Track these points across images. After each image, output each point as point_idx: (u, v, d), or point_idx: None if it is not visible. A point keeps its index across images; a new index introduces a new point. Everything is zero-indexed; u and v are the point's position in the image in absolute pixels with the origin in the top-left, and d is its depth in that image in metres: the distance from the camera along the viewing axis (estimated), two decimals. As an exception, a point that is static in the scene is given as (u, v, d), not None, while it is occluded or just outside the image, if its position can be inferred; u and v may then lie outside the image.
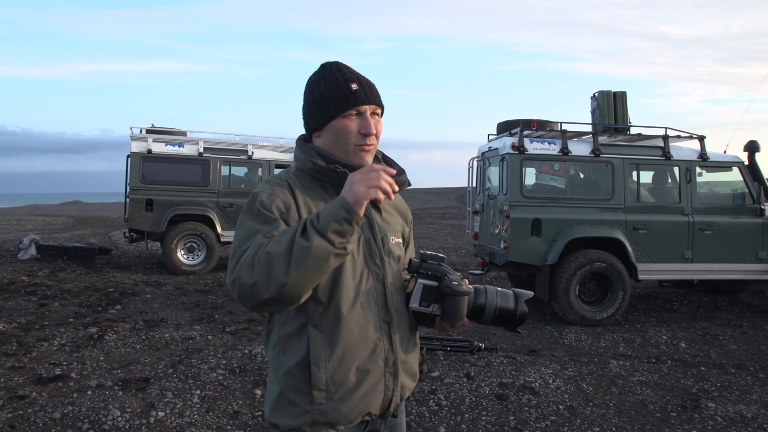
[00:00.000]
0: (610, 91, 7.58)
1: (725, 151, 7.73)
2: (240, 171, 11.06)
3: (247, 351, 5.56)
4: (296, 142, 1.72)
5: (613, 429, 4.11)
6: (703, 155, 7.40)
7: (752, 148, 7.44)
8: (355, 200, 1.39)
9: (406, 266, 1.71)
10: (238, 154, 10.69)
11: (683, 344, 6.23)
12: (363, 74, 1.67)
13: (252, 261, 1.38)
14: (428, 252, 1.68)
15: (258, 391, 4.59)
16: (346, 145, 1.61)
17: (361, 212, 1.41)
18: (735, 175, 7.54)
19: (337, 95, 1.60)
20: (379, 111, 1.65)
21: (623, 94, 7.61)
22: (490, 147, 7.97)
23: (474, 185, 8.56)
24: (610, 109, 7.47)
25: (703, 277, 7.53)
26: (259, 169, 10.81)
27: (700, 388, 4.93)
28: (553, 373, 5.16)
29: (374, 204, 1.60)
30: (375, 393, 1.60)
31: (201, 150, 10.37)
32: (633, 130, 7.59)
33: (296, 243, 1.36)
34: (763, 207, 7.34)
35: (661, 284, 9.24)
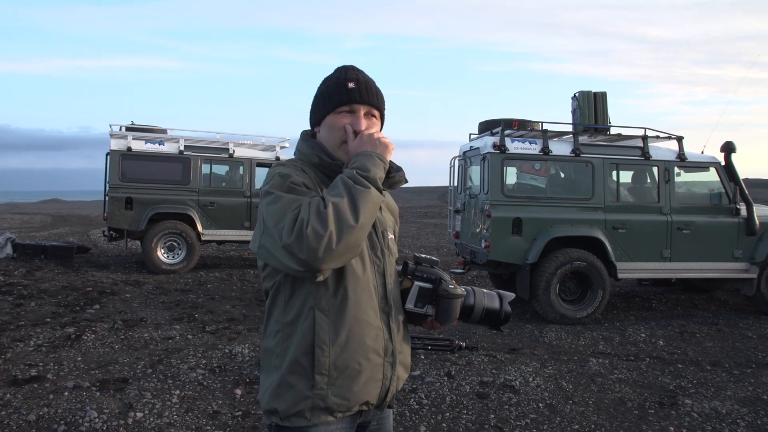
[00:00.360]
0: (591, 91, 7.65)
1: (702, 152, 7.83)
2: (221, 169, 10.99)
3: (227, 350, 5.52)
4: (301, 136, 1.79)
5: (592, 426, 4.14)
6: (681, 156, 7.49)
7: (728, 149, 7.55)
8: (382, 150, 1.59)
9: (401, 268, 1.78)
10: (219, 153, 10.61)
11: (661, 342, 6.31)
12: (368, 77, 1.74)
13: (318, 212, 1.44)
14: (423, 255, 1.76)
15: (238, 391, 4.56)
16: (334, 140, 1.68)
17: (389, 158, 1.60)
18: (712, 176, 7.64)
19: (333, 92, 1.69)
20: (375, 113, 1.73)
21: (603, 95, 7.68)
22: (471, 146, 7.99)
23: (455, 184, 8.59)
24: (590, 109, 7.53)
25: (681, 276, 7.63)
26: (241, 168, 10.75)
27: (677, 385, 4.99)
28: (534, 371, 5.19)
29: None
30: (374, 381, 1.64)
31: (181, 148, 10.28)
32: (613, 131, 7.66)
33: (356, 190, 1.49)
34: (738, 207, 7.45)
35: (640, 283, 9.35)
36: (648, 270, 7.42)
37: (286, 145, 11.38)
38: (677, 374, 5.28)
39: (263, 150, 11.29)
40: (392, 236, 1.80)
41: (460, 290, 1.74)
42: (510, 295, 1.83)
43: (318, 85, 1.77)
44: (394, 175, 1.72)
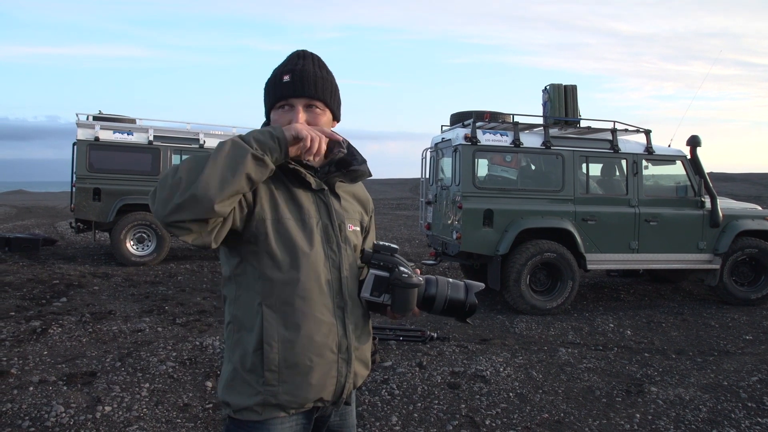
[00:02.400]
0: (561, 84, 7.72)
1: (669, 145, 7.97)
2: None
3: (197, 342, 5.46)
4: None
5: (562, 414, 4.21)
6: (649, 149, 7.62)
7: (694, 142, 7.70)
8: (287, 129, 1.52)
9: (360, 255, 1.72)
10: (189, 143, 10.46)
11: (629, 332, 6.44)
12: (318, 63, 1.68)
13: (176, 167, 1.43)
14: (381, 243, 1.69)
15: (209, 383, 4.52)
16: None
17: (288, 138, 1.50)
18: (678, 169, 7.79)
19: (270, 87, 1.65)
20: (318, 104, 1.65)
21: (574, 88, 7.76)
22: (443, 138, 8.02)
23: (427, 176, 8.61)
24: (561, 102, 7.61)
25: (648, 267, 7.79)
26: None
27: (644, 374, 5.10)
28: (504, 361, 5.26)
29: (332, 190, 1.69)
30: (328, 378, 1.61)
31: (151, 138, 10.11)
32: (583, 123, 7.75)
33: (218, 148, 1.44)
34: (703, 199, 7.62)
35: (608, 274, 9.51)
36: (616, 261, 7.55)
37: (258, 135, 11.27)
38: (644, 363, 5.39)
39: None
40: (355, 228, 1.75)
41: (416, 279, 1.66)
42: (478, 285, 1.75)
43: None
44: (356, 167, 1.71)
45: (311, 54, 1.69)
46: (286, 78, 1.62)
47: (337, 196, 1.72)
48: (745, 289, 7.75)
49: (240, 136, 1.48)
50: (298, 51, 1.69)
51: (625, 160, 7.56)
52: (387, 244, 1.70)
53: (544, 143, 7.25)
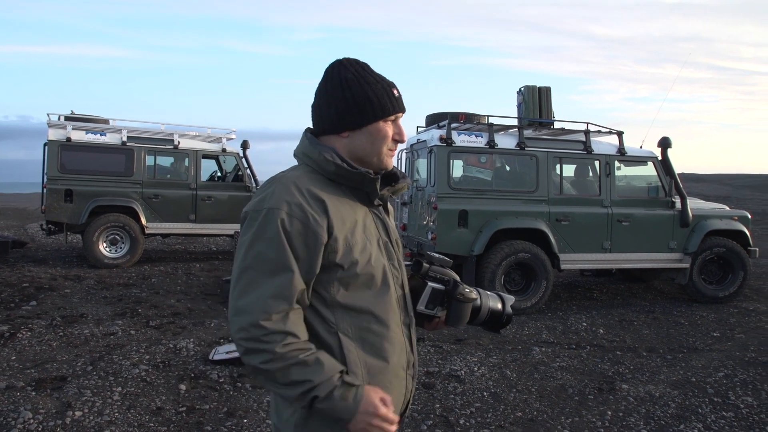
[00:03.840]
0: (536, 86, 7.81)
1: (641, 147, 8.10)
2: (166, 161, 10.75)
3: (171, 345, 5.41)
4: (309, 139, 1.60)
5: (535, 413, 4.26)
6: (621, 150, 7.74)
7: (665, 144, 7.83)
8: (354, 425, 1.42)
9: (413, 267, 1.71)
10: (163, 144, 10.36)
11: (601, 330, 6.53)
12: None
13: (268, 359, 1.39)
14: (436, 255, 1.71)
15: (183, 386, 4.49)
16: (379, 149, 1.59)
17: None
18: (650, 170, 7.92)
19: (383, 99, 1.57)
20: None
21: (548, 90, 7.85)
22: (418, 139, 8.05)
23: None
24: (535, 103, 7.69)
25: (621, 266, 7.90)
26: (186, 160, 10.53)
27: (616, 371, 5.18)
28: (479, 361, 5.30)
29: (385, 207, 1.68)
30: (401, 396, 1.61)
31: (124, 139, 9.98)
32: (556, 125, 7.84)
33: (284, 393, 1.43)
34: (674, 200, 7.76)
35: (582, 273, 9.63)
36: (589, 261, 7.65)
37: (233, 136, 11.22)
38: (616, 361, 5.47)
39: (209, 141, 11.09)
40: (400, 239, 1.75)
41: (474, 294, 1.70)
42: (510, 298, 1.81)
43: (337, 82, 1.57)
44: (401, 183, 1.68)
45: None
46: (396, 92, 1.60)
47: (388, 211, 1.71)
48: (714, 288, 7.91)
49: (313, 402, 1.41)
50: (357, 61, 1.63)
51: (598, 161, 7.66)
52: (440, 256, 1.71)
53: (518, 144, 7.32)
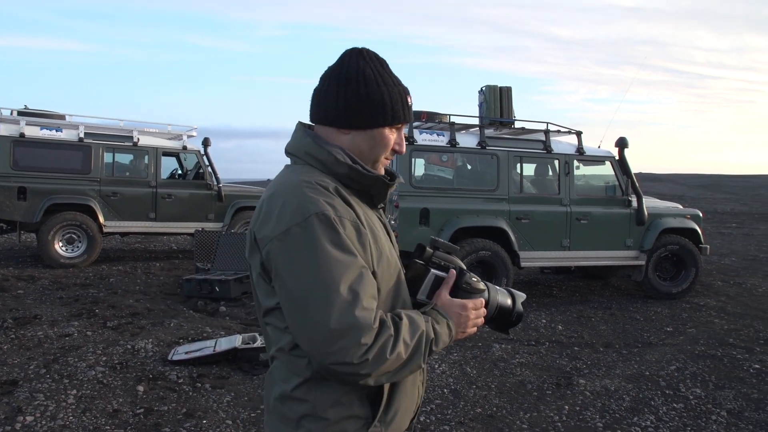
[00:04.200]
0: (497, 86, 7.90)
1: (599, 147, 8.28)
2: (125, 158, 10.53)
3: (129, 346, 5.32)
4: (312, 137, 1.47)
5: (494, 409, 4.33)
6: (580, 149, 7.89)
7: (622, 144, 8.01)
8: (460, 334, 1.47)
9: (415, 252, 1.56)
10: (122, 141, 10.15)
11: (560, 326, 6.65)
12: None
13: (383, 346, 1.28)
14: (440, 240, 1.54)
15: (140, 388, 4.42)
16: (378, 155, 1.50)
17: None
18: (607, 169, 8.10)
19: (397, 105, 1.46)
20: None
21: (509, 89, 7.95)
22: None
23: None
24: (496, 103, 7.78)
25: (579, 264, 8.07)
26: (146, 157, 10.34)
27: (573, 367, 5.30)
28: (439, 358, 5.34)
29: (384, 208, 1.64)
30: (414, 406, 1.55)
31: (81, 135, 9.73)
32: (517, 124, 7.95)
33: (417, 359, 1.35)
34: (630, 198, 7.95)
35: (542, 271, 9.79)
36: (549, 258, 7.79)
37: (194, 134, 11.07)
38: (573, 356, 5.59)
39: (170, 139, 10.91)
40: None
41: (482, 285, 1.53)
42: (522, 295, 1.64)
43: (359, 75, 1.44)
44: (395, 183, 1.61)
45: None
46: (410, 100, 1.51)
47: (383, 211, 1.65)
48: (668, 284, 8.13)
49: (432, 348, 1.38)
50: (377, 55, 1.51)
51: (557, 161, 7.79)
52: (446, 242, 1.54)
53: (479, 143, 7.40)
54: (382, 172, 1.53)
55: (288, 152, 1.51)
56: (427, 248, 1.51)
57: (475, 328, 1.50)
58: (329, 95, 1.45)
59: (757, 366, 5.31)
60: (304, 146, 1.46)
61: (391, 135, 1.48)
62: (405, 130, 1.69)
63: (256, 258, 1.38)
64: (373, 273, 1.37)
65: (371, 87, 1.43)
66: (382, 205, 1.60)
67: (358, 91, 1.42)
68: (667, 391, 4.71)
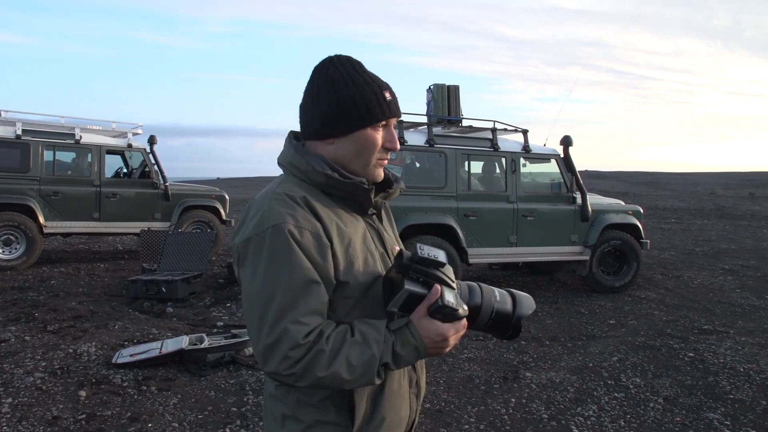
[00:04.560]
0: (444, 84, 7.98)
1: (545, 145, 8.47)
2: (66, 156, 10.18)
3: (71, 350, 5.16)
4: (293, 146, 1.48)
5: (443, 404, 4.39)
6: (526, 147, 8.05)
7: (567, 142, 8.22)
8: (431, 352, 1.37)
9: (395, 258, 1.45)
10: (63, 138, 9.82)
11: (507, 321, 6.78)
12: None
13: (329, 356, 1.29)
14: (425, 249, 1.36)
15: (82, 393, 4.29)
16: (368, 158, 1.46)
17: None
18: (553, 167, 8.30)
19: (371, 103, 1.42)
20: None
21: (456, 88, 8.04)
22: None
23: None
24: (444, 101, 7.87)
25: (526, 260, 8.24)
26: (89, 155, 10.04)
27: (520, 361, 5.41)
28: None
29: (379, 215, 1.58)
30: (404, 418, 1.52)
31: (19, 132, 9.37)
32: (465, 123, 8.05)
33: (368, 375, 1.32)
34: (574, 195, 8.17)
35: (490, 267, 9.93)
36: (496, 255, 7.92)
37: (139, 131, 10.80)
38: (520, 350, 5.71)
39: (114, 137, 10.62)
40: (398, 248, 1.60)
41: (463, 310, 1.36)
42: (526, 296, 1.47)
43: (323, 83, 1.44)
44: (394, 188, 1.58)
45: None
46: (388, 95, 1.45)
47: (381, 219, 1.60)
48: (611, 278, 8.40)
49: (389, 365, 1.35)
50: (349, 59, 1.49)
51: (504, 159, 7.94)
52: (431, 255, 1.35)
53: (427, 141, 7.46)
54: (381, 174, 1.51)
55: (278, 163, 1.53)
56: (404, 256, 1.37)
57: (450, 346, 1.41)
58: (306, 110, 1.47)
59: (691, 354, 5.55)
60: (288, 157, 1.48)
61: (376, 134, 1.45)
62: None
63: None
64: (340, 282, 1.38)
65: (341, 92, 1.42)
66: (374, 212, 1.55)
67: (329, 100, 1.43)
68: (609, 382, 4.87)
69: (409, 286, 1.32)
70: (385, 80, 1.49)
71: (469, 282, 1.46)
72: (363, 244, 1.45)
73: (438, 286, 1.33)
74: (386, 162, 1.52)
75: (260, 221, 1.34)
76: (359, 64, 1.48)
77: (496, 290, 1.45)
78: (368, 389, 1.43)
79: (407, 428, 1.56)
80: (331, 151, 1.45)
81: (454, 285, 1.37)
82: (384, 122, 1.45)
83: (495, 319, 1.41)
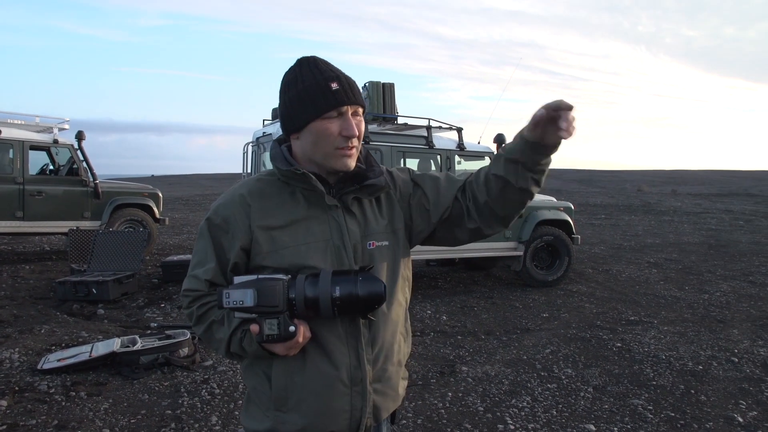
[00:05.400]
0: (380, 82, 8.00)
1: (479, 142, 8.63)
2: (-15, 153, 9.67)
3: (-8, 357, 4.91)
4: (271, 145, 1.68)
5: (380, 399, 4.41)
6: (461, 145, 8.19)
7: (500, 140, 8.40)
8: (271, 350, 1.51)
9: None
10: (-17, 133, 9.32)
11: (444, 317, 6.89)
12: (341, 70, 1.57)
13: (197, 318, 1.60)
14: (231, 295, 1.43)
15: (4, 402, 4.09)
16: (326, 149, 1.52)
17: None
18: (486, 163, 8.45)
19: (316, 95, 1.49)
20: (360, 110, 1.56)
21: (391, 86, 8.08)
22: (264, 132, 7.97)
23: (249, 170, 8.49)
24: (379, 99, 7.88)
25: (462, 255, 8.39)
26: (11, 151, 9.55)
27: (457, 355, 5.51)
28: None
29: (347, 208, 1.58)
30: (341, 412, 1.54)
31: (-69, 127, 8.84)
32: (400, 120, 8.11)
33: (216, 342, 1.59)
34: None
35: (428, 264, 10.09)
36: (432, 251, 8.02)
37: (66, 126, 10.36)
38: (457, 345, 5.82)
39: (38, 131, 10.14)
40: (380, 243, 1.59)
41: (285, 332, 1.44)
42: (375, 278, 1.47)
43: (282, 84, 1.57)
44: (373, 182, 1.57)
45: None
46: (335, 85, 1.50)
47: (352, 213, 1.58)
48: (544, 273, 8.66)
49: (235, 347, 1.57)
50: (308, 58, 1.57)
51: (439, 156, 8.05)
52: (237, 302, 1.43)
53: (363, 138, 7.47)
54: (348, 163, 1.54)
55: None
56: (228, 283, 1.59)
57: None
58: (279, 113, 1.61)
59: (618, 345, 5.80)
60: (271, 155, 1.64)
61: (330, 124, 1.50)
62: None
63: None
64: (262, 266, 1.52)
65: (292, 90, 1.53)
66: (336, 204, 1.56)
67: (284, 99, 1.56)
68: (542, 373, 5.03)
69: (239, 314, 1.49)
70: (346, 73, 1.55)
71: (315, 273, 1.46)
72: (301, 235, 1.53)
73: (253, 326, 1.45)
74: (351, 151, 1.53)
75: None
76: (316, 61, 1.56)
77: (321, 274, 1.44)
78: (284, 365, 1.53)
79: (352, 427, 1.56)
80: (298, 145, 1.57)
81: (277, 307, 1.43)
82: (335, 112, 1.50)
83: (341, 306, 1.43)
